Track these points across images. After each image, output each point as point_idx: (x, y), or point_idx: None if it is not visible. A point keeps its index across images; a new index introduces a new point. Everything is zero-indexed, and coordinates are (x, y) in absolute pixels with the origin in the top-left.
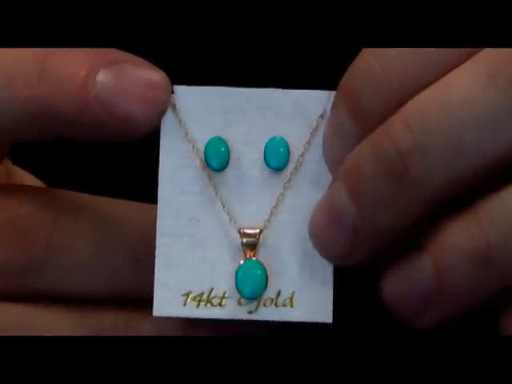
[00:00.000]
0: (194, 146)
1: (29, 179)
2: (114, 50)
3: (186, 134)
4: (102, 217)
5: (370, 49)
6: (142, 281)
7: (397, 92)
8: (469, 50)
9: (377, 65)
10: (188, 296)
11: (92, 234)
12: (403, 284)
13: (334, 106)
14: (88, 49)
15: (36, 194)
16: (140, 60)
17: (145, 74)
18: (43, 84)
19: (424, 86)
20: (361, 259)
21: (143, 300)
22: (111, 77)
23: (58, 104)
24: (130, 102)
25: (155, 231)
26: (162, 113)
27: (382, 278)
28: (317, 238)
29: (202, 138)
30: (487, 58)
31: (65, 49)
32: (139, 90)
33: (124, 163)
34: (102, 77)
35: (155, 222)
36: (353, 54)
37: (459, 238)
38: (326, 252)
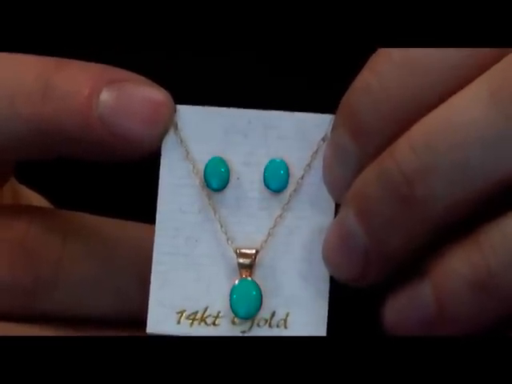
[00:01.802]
0: (194, 166)
1: (35, 198)
2: (116, 68)
3: (187, 153)
4: (110, 238)
5: (369, 66)
6: None
7: (396, 110)
8: (467, 67)
9: (375, 83)
10: (182, 314)
11: (99, 256)
12: (404, 311)
13: (334, 126)
14: (91, 64)
15: (44, 215)
16: (143, 79)
17: (148, 93)
18: (46, 102)
19: (424, 104)
20: (374, 280)
21: None
22: (114, 96)
23: (62, 123)
24: (133, 121)
25: None
26: (166, 132)
27: (384, 305)
28: (329, 261)
29: (202, 157)
30: (490, 78)
31: (67, 62)
32: (142, 110)
33: (129, 181)
34: (105, 96)
35: None
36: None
37: (460, 264)
38: (339, 275)
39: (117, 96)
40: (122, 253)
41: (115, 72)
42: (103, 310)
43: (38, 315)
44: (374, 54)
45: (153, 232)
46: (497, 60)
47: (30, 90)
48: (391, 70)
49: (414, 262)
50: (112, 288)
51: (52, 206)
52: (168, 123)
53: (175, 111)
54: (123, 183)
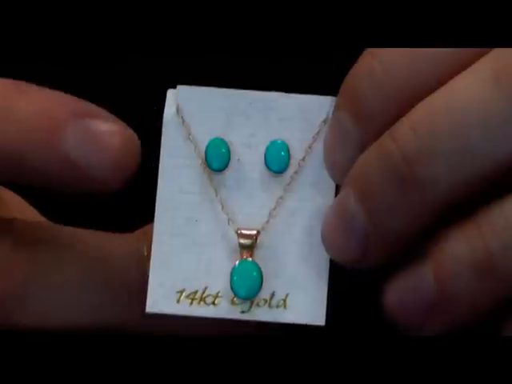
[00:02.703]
0: (195, 146)
1: (15, 200)
2: (82, 100)
3: (189, 133)
4: (84, 250)
5: (370, 50)
6: (126, 314)
7: (398, 92)
8: (468, 50)
9: (378, 65)
10: (182, 293)
11: (73, 269)
12: (405, 293)
13: (336, 108)
14: (55, 93)
15: (16, 226)
16: (109, 115)
17: (114, 131)
18: (8, 129)
19: (426, 87)
20: (374, 263)
21: (130, 333)
22: (81, 132)
23: (26, 155)
24: (98, 159)
25: (137, 264)
26: (132, 169)
27: (385, 287)
28: (328, 243)
29: (203, 138)
30: (493, 60)
31: (29, 88)
32: (108, 148)
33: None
34: (71, 130)
35: (138, 253)
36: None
37: (460, 247)
38: (338, 257)
39: (83, 132)
40: (96, 265)
41: (81, 105)
42: (77, 322)
43: (13, 327)
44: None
45: (129, 242)
46: None
47: None
48: (393, 53)
49: (414, 244)
50: (86, 301)
51: (34, 210)
52: (136, 161)
53: (175, 93)
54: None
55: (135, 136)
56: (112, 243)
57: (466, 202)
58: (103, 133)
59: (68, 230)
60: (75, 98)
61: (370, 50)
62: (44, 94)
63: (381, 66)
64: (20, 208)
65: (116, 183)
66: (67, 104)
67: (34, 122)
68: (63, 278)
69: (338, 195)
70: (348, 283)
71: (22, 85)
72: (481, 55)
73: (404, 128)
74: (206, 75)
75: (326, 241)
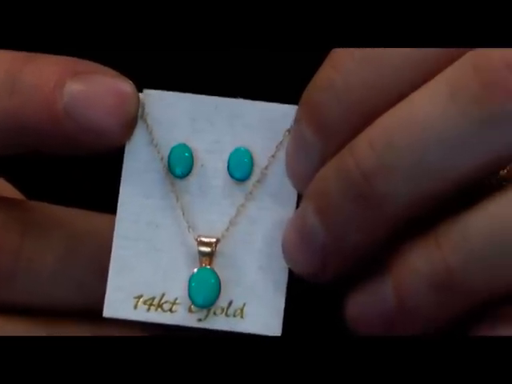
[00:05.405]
0: (158, 151)
1: (3, 186)
2: (83, 60)
3: (152, 138)
4: (72, 229)
5: (331, 61)
6: None
7: (357, 105)
8: (428, 64)
9: (337, 77)
10: (139, 299)
11: (60, 247)
12: (366, 305)
13: (297, 119)
14: (59, 57)
15: (4, 205)
16: (109, 70)
17: (113, 84)
18: (14, 98)
19: (386, 100)
20: (332, 276)
21: None
22: (79, 88)
23: (28, 116)
24: (97, 112)
25: None
26: (131, 124)
27: (347, 298)
28: (288, 255)
29: (167, 143)
30: (449, 75)
31: (35, 56)
32: (107, 101)
33: (101, 171)
34: (69, 87)
35: None
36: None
37: (420, 263)
38: (297, 270)
39: (81, 87)
40: (83, 244)
41: (81, 64)
42: (64, 302)
43: (1, 306)
44: (333, 51)
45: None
46: (457, 58)
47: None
48: (354, 66)
49: (375, 258)
50: (73, 279)
51: (19, 194)
52: (133, 114)
53: (141, 97)
54: (95, 172)
55: (134, 87)
56: (101, 223)
57: (428, 215)
58: (100, 86)
59: (57, 209)
60: (76, 59)
61: (330, 62)
62: (48, 60)
63: (341, 78)
64: (9, 193)
65: (116, 133)
66: (68, 65)
67: (36, 88)
68: (51, 256)
69: (299, 208)
70: (306, 292)
71: (29, 55)
72: (441, 70)
73: (362, 144)
74: (172, 78)
75: (286, 253)
